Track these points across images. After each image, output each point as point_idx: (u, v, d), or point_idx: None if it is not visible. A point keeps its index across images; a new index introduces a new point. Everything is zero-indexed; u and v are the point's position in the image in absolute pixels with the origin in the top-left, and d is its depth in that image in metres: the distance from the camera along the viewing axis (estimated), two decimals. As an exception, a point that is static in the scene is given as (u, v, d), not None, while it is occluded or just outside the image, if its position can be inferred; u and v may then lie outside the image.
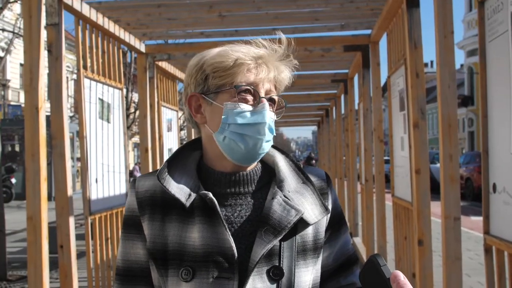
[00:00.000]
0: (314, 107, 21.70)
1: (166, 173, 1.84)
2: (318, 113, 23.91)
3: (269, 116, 1.82)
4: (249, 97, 1.81)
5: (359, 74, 10.25)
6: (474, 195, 23.84)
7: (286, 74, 1.90)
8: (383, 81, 9.37)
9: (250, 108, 1.80)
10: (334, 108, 18.41)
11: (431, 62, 79.30)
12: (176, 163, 1.90)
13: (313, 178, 1.94)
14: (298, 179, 1.91)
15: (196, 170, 1.90)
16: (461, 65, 57.64)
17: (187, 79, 1.91)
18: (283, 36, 1.86)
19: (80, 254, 8.70)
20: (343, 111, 15.67)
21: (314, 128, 71.28)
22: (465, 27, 51.42)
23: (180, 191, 1.79)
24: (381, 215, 8.38)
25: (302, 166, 1.97)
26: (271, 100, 1.87)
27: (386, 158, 12.10)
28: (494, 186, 4.16)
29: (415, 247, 5.66)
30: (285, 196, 1.82)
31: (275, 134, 1.89)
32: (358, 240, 12.15)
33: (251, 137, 1.79)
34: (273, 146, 1.98)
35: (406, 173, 6.34)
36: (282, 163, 1.95)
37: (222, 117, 1.81)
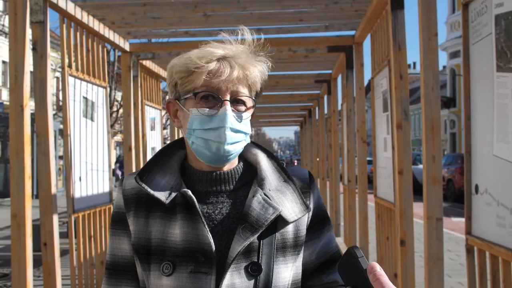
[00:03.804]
0: (297, 107, 21.74)
1: (147, 174, 1.90)
2: (301, 113, 23.95)
3: (231, 118, 1.82)
4: (212, 102, 1.83)
5: (343, 75, 10.30)
6: (456, 196, 23.97)
7: (256, 71, 1.89)
8: (366, 82, 9.42)
9: (211, 112, 1.82)
10: (317, 108, 18.43)
11: (414, 63, 79.63)
12: (160, 162, 1.95)
13: (295, 177, 1.97)
14: (279, 178, 1.95)
15: (180, 168, 1.95)
16: (444, 67, 57.90)
17: (167, 85, 1.96)
18: (248, 33, 1.89)
19: (63, 252, 8.68)
20: (326, 112, 15.71)
21: (297, 128, 71.35)
22: (448, 29, 51.60)
23: (160, 190, 1.85)
24: (364, 216, 8.42)
25: (285, 165, 2.00)
26: (239, 101, 1.87)
27: (368, 159, 12.14)
28: (477, 187, 4.20)
29: (397, 247, 5.70)
30: (265, 194, 1.86)
31: (250, 133, 1.92)
32: (340, 241, 12.18)
33: (214, 141, 1.82)
34: (256, 145, 2.02)
35: (389, 174, 6.38)
36: (264, 162, 1.98)
37: (188, 122, 1.86)
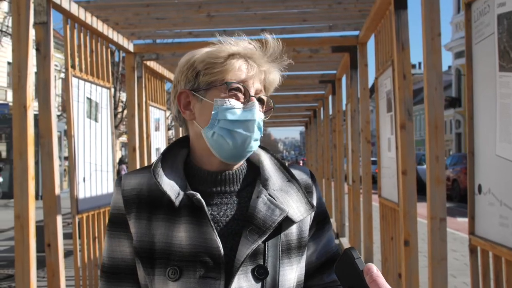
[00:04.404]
0: (302, 108, 21.71)
1: (160, 169, 1.84)
2: (306, 113, 23.93)
3: (259, 114, 1.83)
4: (240, 95, 1.82)
5: (347, 75, 10.29)
6: (461, 196, 23.89)
7: (276, 75, 1.91)
8: (371, 82, 9.41)
9: (240, 105, 1.81)
10: (322, 108, 18.43)
11: (419, 63, 79.47)
12: (165, 161, 1.90)
13: (298, 176, 1.95)
14: (283, 177, 1.92)
15: (183, 168, 1.91)
16: (449, 67, 57.82)
17: (177, 76, 1.91)
18: (272, 38, 1.88)
19: (68, 253, 8.70)
20: (330, 112, 15.70)
21: (302, 128, 71.44)
22: (453, 29, 51.55)
23: (171, 188, 1.80)
24: (368, 216, 8.41)
25: (287, 164, 1.98)
26: (260, 101, 1.88)
27: (373, 159, 12.13)
28: (480, 187, 4.19)
29: (401, 247, 5.69)
30: (270, 195, 1.84)
31: (262, 135, 1.90)
32: (345, 241, 12.18)
33: (240, 134, 1.80)
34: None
35: (393, 174, 6.37)
36: (267, 162, 1.96)
37: (212, 112, 1.81)
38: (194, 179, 1.88)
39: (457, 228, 14.87)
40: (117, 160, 35.84)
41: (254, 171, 1.96)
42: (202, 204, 1.77)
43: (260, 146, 2.00)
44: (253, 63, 1.84)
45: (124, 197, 1.88)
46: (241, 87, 1.82)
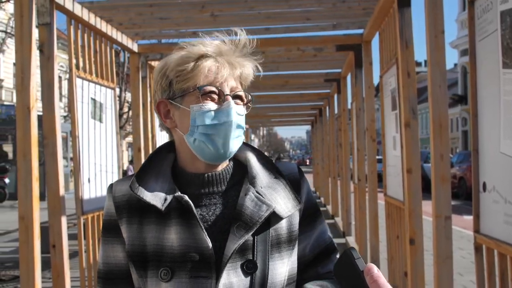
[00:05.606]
0: (308, 107, 21.73)
1: (138, 182, 1.88)
2: (311, 112, 23.94)
3: (236, 113, 1.85)
4: (214, 96, 1.84)
5: (352, 74, 10.27)
6: (467, 194, 23.76)
7: (249, 69, 1.93)
8: (376, 80, 9.37)
9: (215, 107, 1.83)
10: (327, 107, 18.42)
11: (425, 61, 79.32)
12: (152, 167, 1.94)
13: (285, 173, 1.97)
14: (270, 175, 1.95)
15: (171, 172, 1.94)
16: (455, 65, 57.72)
17: (154, 85, 1.95)
18: (243, 33, 1.90)
19: (73, 254, 8.70)
20: (336, 111, 15.68)
21: (308, 127, 71.57)
22: (458, 26, 51.50)
23: (155, 196, 1.83)
24: (374, 214, 8.40)
25: (274, 161, 2.00)
26: (237, 97, 1.89)
27: (379, 157, 12.12)
28: (484, 185, 4.17)
29: (407, 246, 5.68)
30: (257, 192, 1.86)
31: (244, 129, 1.93)
32: (351, 239, 12.17)
33: (220, 136, 1.83)
34: (244, 143, 2.01)
35: (398, 172, 6.36)
36: (254, 160, 1.98)
37: (191, 119, 1.84)
38: (181, 182, 1.91)
39: (464, 226, 14.82)
40: (128, 160, 35.86)
41: (242, 169, 1.98)
42: (191, 206, 1.80)
43: (247, 144, 2.03)
44: (224, 61, 1.86)
45: (115, 203, 1.92)
46: (214, 89, 1.84)
